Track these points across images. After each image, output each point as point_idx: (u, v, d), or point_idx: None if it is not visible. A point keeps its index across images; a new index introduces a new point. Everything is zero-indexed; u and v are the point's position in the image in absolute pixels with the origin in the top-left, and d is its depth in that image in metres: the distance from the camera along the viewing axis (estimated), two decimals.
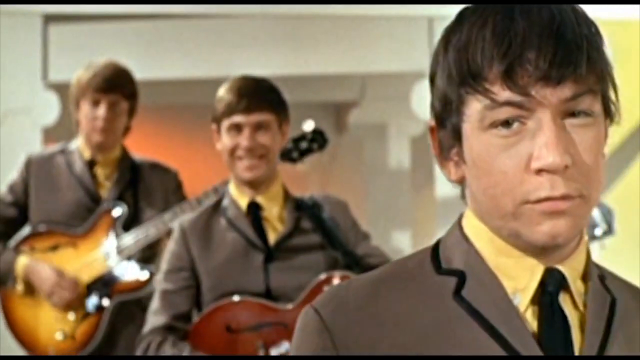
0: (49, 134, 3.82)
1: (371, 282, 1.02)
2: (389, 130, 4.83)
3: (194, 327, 2.38)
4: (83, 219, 3.01)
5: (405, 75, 3.85)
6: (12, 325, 3.00)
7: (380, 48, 3.65)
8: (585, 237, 1.03)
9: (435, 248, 1.02)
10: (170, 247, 2.46)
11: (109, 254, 3.01)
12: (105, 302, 2.96)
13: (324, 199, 2.51)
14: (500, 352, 0.94)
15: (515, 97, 0.90)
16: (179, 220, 2.83)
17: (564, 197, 0.91)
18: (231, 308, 2.36)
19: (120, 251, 3.00)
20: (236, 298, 2.36)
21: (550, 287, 0.96)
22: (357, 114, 4.95)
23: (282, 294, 2.36)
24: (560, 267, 0.98)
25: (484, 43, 0.91)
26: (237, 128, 2.32)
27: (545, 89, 0.90)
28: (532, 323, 0.96)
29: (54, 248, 3.00)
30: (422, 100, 3.55)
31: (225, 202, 2.46)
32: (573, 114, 0.92)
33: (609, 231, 2.39)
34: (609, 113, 0.97)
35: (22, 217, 3.05)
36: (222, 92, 2.37)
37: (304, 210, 2.43)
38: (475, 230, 0.98)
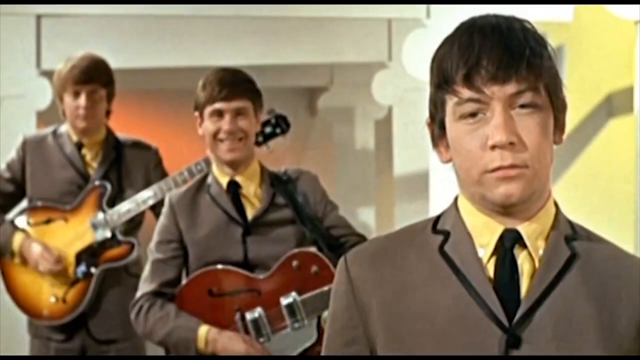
0: (43, 117, 3.88)
1: (387, 237, 1.33)
2: (356, 114, 5.01)
3: (180, 291, 2.52)
4: (74, 195, 3.18)
5: (369, 65, 4.02)
6: (11, 291, 3.20)
7: (346, 42, 3.84)
8: (551, 204, 1.25)
9: (439, 216, 1.30)
10: (161, 221, 2.57)
11: (96, 227, 3.16)
12: (93, 269, 3.14)
13: (297, 172, 2.62)
14: (465, 293, 1.20)
15: (474, 95, 1.17)
16: (160, 197, 3.05)
17: (512, 166, 1.16)
18: (213, 275, 2.49)
19: (106, 224, 3.15)
20: (218, 267, 2.49)
21: (507, 243, 1.21)
22: (326, 98, 5.12)
23: (259, 264, 2.49)
24: (520, 228, 1.20)
25: (452, 56, 1.19)
26: (218, 114, 2.45)
27: (495, 87, 1.16)
28: (491, 271, 1.21)
29: (48, 222, 3.17)
30: (382, 88, 3.75)
31: (209, 180, 2.57)
32: (522, 106, 1.18)
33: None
34: (555, 107, 1.22)
35: (19, 192, 3.23)
36: (204, 82, 2.49)
37: (278, 186, 2.56)
38: (462, 202, 1.26)
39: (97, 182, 3.18)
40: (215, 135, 2.47)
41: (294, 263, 2.46)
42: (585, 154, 4.84)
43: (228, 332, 2.44)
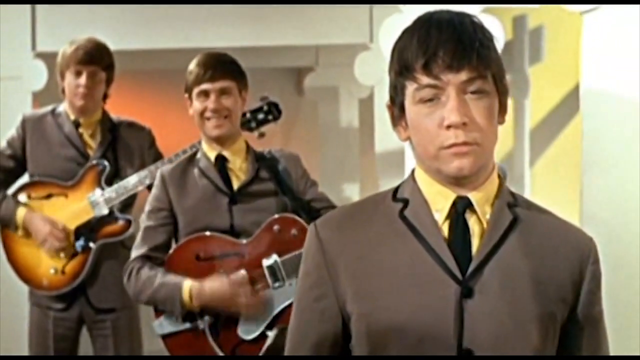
0: (38, 98, 4.04)
1: (353, 205, 1.52)
2: (341, 93, 5.16)
3: (170, 256, 2.67)
4: (72, 172, 3.29)
5: (352, 46, 4.16)
6: (12, 262, 3.33)
7: (330, 25, 3.99)
8: (495, 175, 1.42)
9: (398, 186, 1.47)
10: (152, 192, 2.73)
11: (94, 203, 3.28)
12: (91, 244, 3.27)
13: (280, 153, 2.76)
14: (424, 251, 1.36)
15: (432, 81, 1.33)
16: (154, 177, 3.06)
17: (464, 144, 1.33)
18: (201, 241, 2.64)
19: (104, 202, 3.27)
20: (206, 233, 2.63)
21: (459, 208, 1.39)
22: (312, 78, 5.27)
23: (243, 230, 2.63)
24: (470, 195, 1.37)
25: (412, 47, 1.35)
26: (204, 94, 2.61)
27: (450, 75, 1.32)
28: (446, 232, 1.39)
29: (48, 197, 3.29)
30: (363, 69, 3.87)
31: (198, 156, 2.72)
32: (472, 92, 1.34)
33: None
34: (499, 92, 1.38)
35: (19, 168, 3.35)
36: (191, 66, 2.65)
37: (262, 162, 2.71)
38: (419, 173, 1.43)
39: (96, 161, 3.30)
40: (202, 114, 2.63)
41: (275, 227, 2.61)
42: (562, 135, 5.03)
43: (209, 281, 2.56)
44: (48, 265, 3.28)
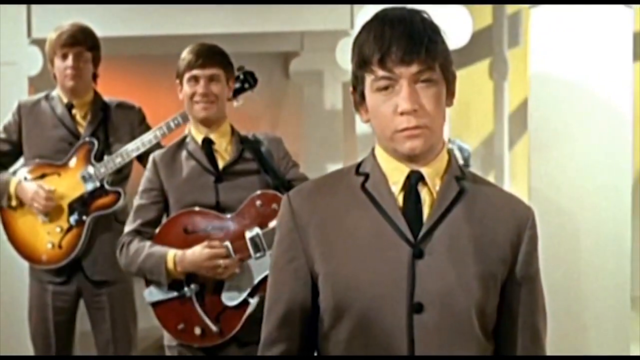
0: (33, 83, 4.19)
1: (322, 178, 1.71)
2: (325, 77, 5.30)
3: (161, 229, 2.83)
4: (66, 152, 3.43)
5: (335, 32, 4.34)
6: (12, 239, 3.49)
7: (314, 12, 4.16)
8: (445, 152, 1.61)
9: (360, 162, 1.66)
10: (145, 174, 2.89)
11: (85, 179, 3.42)
12: (85, 217, 3.41)
13: (263, 135, 2.93)
14: (381, 218, 1.55)
15: (386, 74, 1.52)
16: (142, 149, 3.36)
17: (416, 127, 1.52)
18: (188, 215, 2.79)
19: (94, 176, 3.42)
20: (194, 208, 2.79)
21: (412, 181, 1.57)
22: (297, 63, 5.41)
23: (228, 206, 2.79)
24: (422, 170, 1.56)
25: (369, 44, 1.53)
26: (195, 79, 2.79)
27: (402, 68, 1.50)
28: (401, 202, 1.57)
29: (42, 177, 3.44)
30: (345, 54, 3.98)
31: (187, 139, 2.87)
32: (422, 81, 1.53)
33: (466, 165, 2.85)
34: (447, 79, 1.57)
35: (15, 152, 3.50)
36: (184, 54, 2.82)
37: (246, 144, 2.87)
38: (378, 151, 1.62)
39: (86, 139, 3.44)
40: (192, 97, 2.80)
41: (258, 202, 2.78)
42: None
43: (190, 249, 2.71)
44: (45, 241, 3.42)
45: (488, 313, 1.58)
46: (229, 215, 2.79)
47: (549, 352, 1.70)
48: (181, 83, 2.83)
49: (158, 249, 2.76)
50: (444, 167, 1.61)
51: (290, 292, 1.62)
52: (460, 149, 2.37)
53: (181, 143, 2.90)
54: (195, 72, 2.79)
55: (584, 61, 2.29)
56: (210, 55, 2.82)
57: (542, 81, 2.29)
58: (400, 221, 1.56)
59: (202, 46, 2.84)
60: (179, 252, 2.73)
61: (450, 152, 1.65)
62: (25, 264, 3.57)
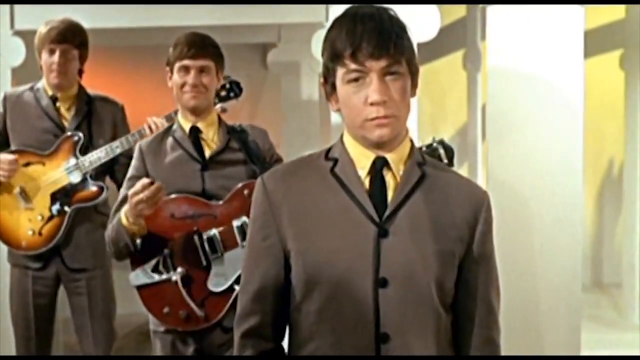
0: (16, 73, 4.23)
1: (294, 162, 1.82)
2: (302, 68, 5.42)
3: (147, 216, 2.72)
4: (50, 143, 3.49)
5: (310, 24, 4.44)
6: None
7: (290, 5, 4.27)
8: (408, 140, 1.73)
9: (330, 148, 1.78)
10: (132, 163, 2.89)
11: (69, 171, 3.47)
12: (66, 208, 3.48)
13: (249, 127, 2.95)
14: (349, 200, 1.67)
15: (358, 67, 1.64)
16: (126, 147, 3.42)
17: (384, 117, 1.64)
18: (176, 201, 2.81)
19: (78, 169, 3.47)
20: (181, 195, 2.80)
21: (378, 166, 1.70)
22: (275, 54, 5.53)
23: (214, 195, 2.81)
24: (387, 155, 1.69)
25: (341, 38, 1.64)
26: (185, 69, 2.79)
27: (372, 62, 1.63)
28: (367, 185, 1.70)
29: (27, 165, 3.48)
30: (320, 45, 4.14)
31: (174, 127, 2.88)
32: (390, 74, 1.65)
33: (450, 165, 2.81)
34: (412, 72, 1.70)
35: (1, 142, 3.54)
36: (175, 43, 2.81)
37: (233, 133, 2.88)
38: (346, 138, 1.74)
39: (71, 132, 3.50)
40: (181, 87, 2.82)
41: (245, 192, 2.81)
42: None
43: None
44: (26, 227, 3.49)
45: (446, 287, 1.71)
46: (217, 203, 2.82)
47: (503, 326, 1.83)
48: (171, 71, 2.85)
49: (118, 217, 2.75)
50: (407, 153, 1.74)
51: (264, 268, 1.74)
52: (445, 148, 2.50)
53: (167, 131, 2.92)
54: (186, 62, 2.80)
55: (538, 57, 2.44)
56: (203, 46, 2.82)
57: (499, 75, 2.43)
58: (367, 203, 1.69)
59: (194, 36, 2.85)
60: (127, 206, 2.70)
61: (412, 140, 1.78)
62: (4, 249, 3.64)
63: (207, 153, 2.87)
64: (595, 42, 6.65)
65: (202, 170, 2.85)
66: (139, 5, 4.28)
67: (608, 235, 7.98)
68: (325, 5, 4.14)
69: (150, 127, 3.38)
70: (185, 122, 2.89)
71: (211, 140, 2.89)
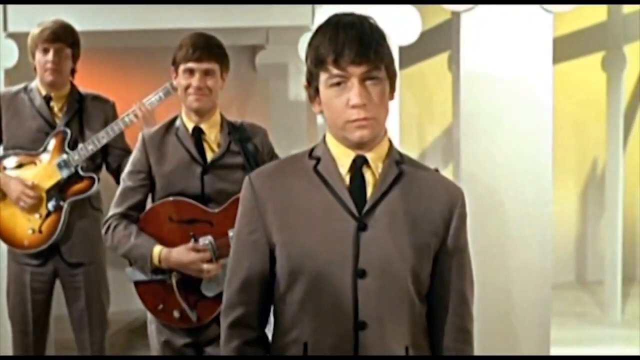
0: (10, 75, 4.30)
1: (280, 161, 1.93)
2: (289, 69, 5.50)
3: (146, 214, 2.87)
4: (43, 142, 3.56)
5: (297, 27, 4.53)
6: None
7: (278, 9, 4.38)
8: (386, 140, 1.82)
9: (313, 147, 1.87)
10: (134, 154, 2.90)
11: (61, 166, 3.55)
12: (62, 203, 3.55)
13: (251, 126, 2.97)
14: (331, 196, 1.76)
15: (340, 72, 1.74)
16: (111, 136, 3.50)
17: (364, 119, 1.74)
18: (174, 204, 2.84)
19: (69, 163, 3.55)
20: (179, 198, 2.84)
21: (358, 164, 1.79)
22: (263, 56, 5.63)
23: (213, 198, 2.84)
24: (366, 154, 1.79)
25: (325, 45, 1.73)
26: (190, 72, 2.80)
27: (354, 68, 1.73)
28: (348, 182, 1.79)
29: (20, 166, 3.58)
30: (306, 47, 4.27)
31: (177, 124, 2.88)
32: (370, 79, 1.74)
33: None
34: (390, 77, 1.79)
35: None
36: (181, 44, 2.82)
37: (234, 135, 2.89)
38: (329, 138, 1.84)
39: (59, 129, 3.58)
40: (186, 89, 2.84)
41: None
42: None
43: (176, 248, 2.79)
44: (26, 227, 3.57)
45: (422, 279, 1.82)
46: (214, 210, 2.85)
47: (477, 317, 1.93)
48: (176, 71, 2.86)
49: (143, 240, 2.82)
50: (385, 152, 1.84)
51: (250, 261, 1.84)
52: None
53: (170, 126, 2.92)
54: (191, 65, 2.81)
55: (509, 61, 2.56)
56: (208, 48, 2.82)
57: (472, 78, 2.55)
58: (347, 199, 1.79)
59: (200, 38, 2.84)
60: (165, 249, 2.80)
61: (390, 140, 1.89)
62: (3, 247, 3.71)
63: (209, 156, 2.89)
64: (578, 44, 6.78)
65: (202, 173, 2.88)
66: (129, 8, 4.35)
67: (592, 234, 8.08)
68: (311, 9, 4.24)
69: (136, 114, 3.43)
70: (188, 122, 2.91)
71: (213, 142, 2.91)
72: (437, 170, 2.71)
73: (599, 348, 5.75)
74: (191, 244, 2.82)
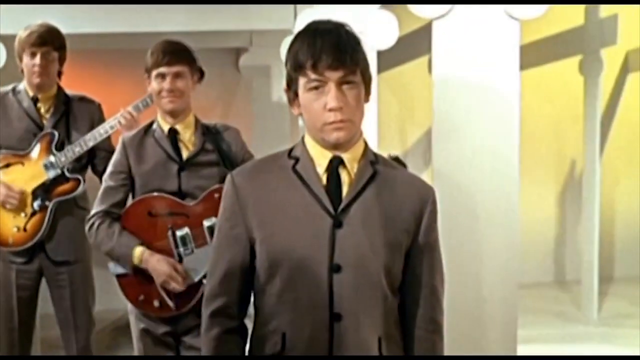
0: None
1: (260, 160, 1.99)
2: (272, 71, 5.61)
3: (126, 210, 3.00)
4: (30, 142, 3.59)
5: (280, 31, 4.61)
6: None
7: (261, 12, 4.48)
8: (362, 141, 1.91)
9: (292, 148, 1.95)
10: (115, 156, 3.05)
11: (47, 167, 3.58)
12: (47, 202, 3.59)
13: (223, 127, 3.12)
14: (309, 195, 1.84)
15: (318, 77, 1.82)
16: (98, 139, 3.54)
17: (341, 121, 1.83)
18: (153, 200, 2.98)
19: (55, 165, 3.57)
20: (156, 194, 2.98)
21: (334, 164, 1.88)
22: (247, 58, 5.70)
23: (189, 194, 2.98)
24: (343, 155, 1.88)
25: (303, 51, 1.81)
26: (162, 76, 2.95)
27: (331, 72, 1.82)
28: (325, 181, 1.87)
29: (7, 166, 3.61)
30: None
31: (154, 127, 3.03)
32: (346, 83, 1.82)
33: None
34: (365, 81, 1.87)
35: None
36: (152, 51, 2.97)
37: (208, 135, 3.04)
38: (307, 139, 1.92)
39: (47, 130, 3.61)
40: (159, 93, 2.99)
41: (216, 195, 2.96)
42: None
43: (158, 255, 2.95)
44: (10, 225, 3.61)
45: (394, 273, 1.91)
46: (190, 204, 2.99)
47: (447, 310, 2.02)
48: (149, 78, 3.00)
49: (126, 240, 2.97)
50: (360, 153, 1.93)
51: (231, 254, 1.93)
52: (398, 162, 2.70)
53: (148, 128, 3.07)
54: (162, 69, 2.95)
55: (479, 65, 2.67)
56: (176, 52, 2.97)
57: (443, 83, 2.65)
58: (324, 197, 1.88)
59: (168, 44, 3.00)
60: (147, 252, 2.95)
61: (366, 141, 1.98)
62: None
63: (185, 154, 3.03)
64: (556, 48, 6.89)
65: (179, 171, 3.01)
66: (116, 10, 4.42)
67: (570, 234, 8.19)
68: (293, 12, 4.33)
69: (124, 117, 3.48)
70: (164, 124, 3.05)
71: (188, 141, 3.04)
72: (396, 158, 2.81)
73: (575, 345, 5.86)
74: (173, 260, 2.96)
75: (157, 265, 2.94)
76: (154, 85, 2.99)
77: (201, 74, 3.12)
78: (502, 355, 2.82)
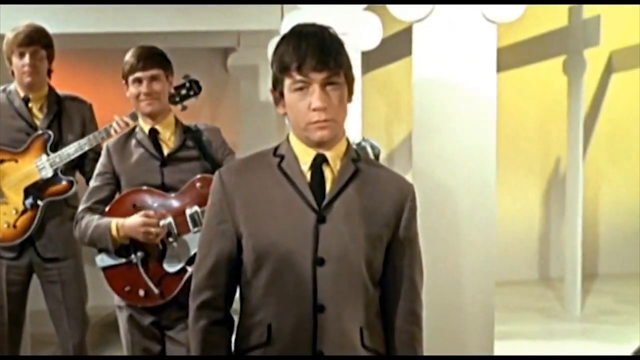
0: None
1: (248, 157, 2.06)
2: (260, 71, 5.65)
3: (113, 204, 3.13)
4: (22, 141, 3.65)
5: (267, 31, 4.68)
6: None
7: (248, 13, 4.54)
8: (345, 139, 1.98)
9: (277, 146, 2.01)
10: (100, 160, 3.19)
11: (40, 167, 3.62)
12: (39, 202, 3.64)
13: (204, 126, 3.24)
14: (293, 191, 1.90)
15: (303, 78, 1.88)
16: (94, 144, 3.60)
17: (325, 121, 1.89)
18: (137, 193, 3.12)
19: (49, 165, 3.61)
20: (142, 187, 3.10)
21: (318, 162, 1.94)
22: (235, 58, 5.75)
23: (172, 187, 3.10)
24: (326, 153, 1.94)
25: (288, 53, 1.88)
26: (138, 81, 3.07)
27: (315, 74, 1.88)
28: (309, 178, 1.93)
29: (1, 162, 3.63)
30: None
31: (136, 130, 3.17)
32: (330, 84, 1.89)
33: (376, 160, 3.04)
34: (348, 82, 1.95)
35: None
36: (127, 58, 3.09)
37: (188, 133, 3.17)
38: (292, 137, 1.98)
39: (42, 131, 3.66)
40: (137, 97, 3.11)
41: (198, 184, 3.10)
42: None
43: (129, 217, 3.04)
44: (1, 221, 3.65)
45: (375, 266, 1.98)
46: (172, 195, 3.11)
47: (426, 303, 2.09)
48: (127, 83, 3.12)
49: (104, 220, 3.08)
50: (343, 151, 2.00)
51: (218, 248, 2.00)
52: (372, 147, 2.77)
53: (131, 133, 3.21)
54: (138, 74, 3.07)
55: (457, 68, 2.75)
56: (150, 57, 3.10)
57: (423, 84, 2.74)
58: (308, 193, 1.95)
59: (142, 50, 3.13)
60: (120, 219, 3.05)
61: (348, 140, 2.05)
62: None
63: (166, 151, 3.15)
64: (540, 48, 6.98)
65: (161, 167, 3.14)
66: (105, 10, 4.45)
67: (555, 232, 8.27)
68: (280, 13, 4.39)
69: (118, 124, 3.55)
70: (145, 125, 3.17)
71: (168, 140, 3.16)
72: (372, 147, 2.89)
73: (558, 341, 5.95)
74: (142, 212, 3.05)
75: (131, 222, 3.02)
76: (131, 89, 3.10)
77: (199, 88, 3.28)
78: (486, 355, 2.89)
